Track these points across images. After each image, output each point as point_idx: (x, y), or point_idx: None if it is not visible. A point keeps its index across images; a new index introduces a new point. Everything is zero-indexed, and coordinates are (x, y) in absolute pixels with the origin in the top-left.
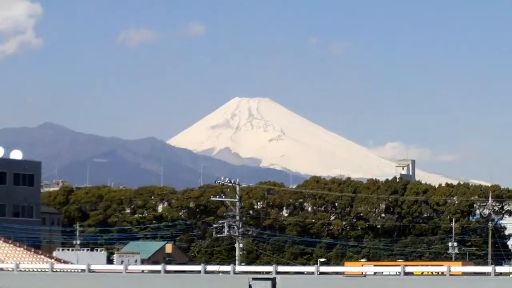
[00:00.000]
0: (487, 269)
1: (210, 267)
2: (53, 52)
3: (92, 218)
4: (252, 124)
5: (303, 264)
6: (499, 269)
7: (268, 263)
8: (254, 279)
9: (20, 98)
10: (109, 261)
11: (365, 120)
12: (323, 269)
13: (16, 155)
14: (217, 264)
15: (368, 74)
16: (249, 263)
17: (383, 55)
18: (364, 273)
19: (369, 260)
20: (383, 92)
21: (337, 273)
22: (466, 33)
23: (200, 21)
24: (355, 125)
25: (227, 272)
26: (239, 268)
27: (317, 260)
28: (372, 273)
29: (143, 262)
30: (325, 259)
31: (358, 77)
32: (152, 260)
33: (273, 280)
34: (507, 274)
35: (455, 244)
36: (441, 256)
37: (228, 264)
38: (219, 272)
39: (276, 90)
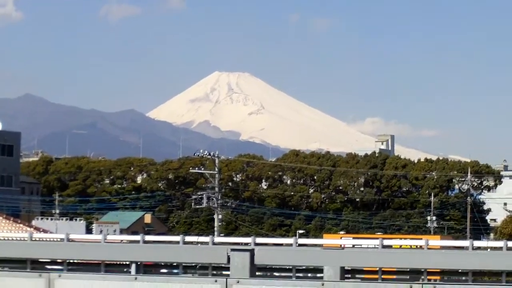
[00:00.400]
0: (465, 243)
1: (188, 238)
2: (34, 26)
3: (72, 188)
4: (232, 98)
5: (282, 236)
6: (477, 243)
7: (247, 234)
8: (232, 249)
9: (0, 70)
10: (88, 230)
11: (345, 95)
12: (302, 241)
13: None
14: (196, 234)
15: (348, 50)
16: (228, 234)
17: (363, 32)
18: (342, 246)
19: (347, 232)
20: (363, 67)
21: (315, 245)
22: (447, 4)
23: None
24: (335, 100)
25: (206, 243)
26: (217, 239)
27: (296, 232)
28: (351, 246)
29: (122, 232)
30: (304, 231)
31: (339, 53)
32: (131, 230)
33: (252, 252)
34: (485, 248)
35: (434, 218)
36: (420, 230)
37: (207, 235)
38: (197, 243)
39: (256, 65)
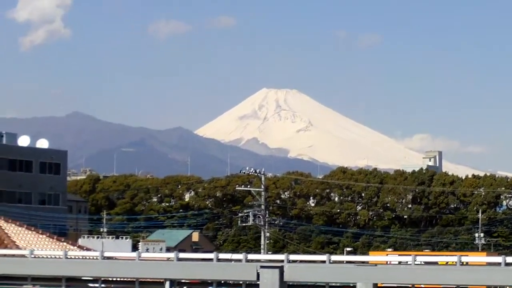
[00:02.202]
0: (498, 259)
1: (222, 255)
2: (82, 42)
3: (119, 207)
4: (280, 115)
5: (331, 254)
6: (509, 259)
7: (294, 252)
8: (262, 267)
9: (48, 87)
10: (135, 249)
11: (393, 112)
12: (335, 258)
13: (42, 144)
14: (243, 252)
15: (395, 66)
16: (275, 252)
17: (411, 48)
18: (389, 262)
19: (395, 250)
20: (412, 83)
21: (348, 262)
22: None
23: (229, 12)
24: (383, 117)
25: (239, 260)
26: (250, 256)
27: (344, 250)
28: (397, 263)
29: (169, 250)
30: (352, 249)
31: (386, 69)
32: (179, 248)
33: (281, 268)
34: None
35: (482, 234)
36: (467, 246)
37: (255, 253)
38: (231, 260)
39: (303, 82)
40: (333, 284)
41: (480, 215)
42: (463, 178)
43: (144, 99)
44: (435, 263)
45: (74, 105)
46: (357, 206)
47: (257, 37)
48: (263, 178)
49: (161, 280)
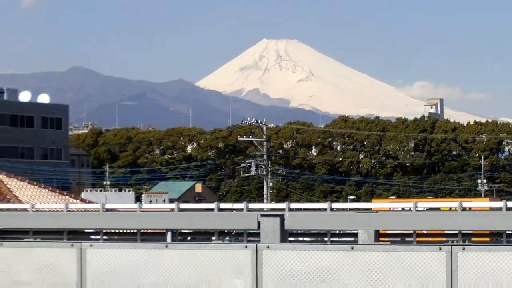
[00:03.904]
0: (499, 204)
1: (224, 205)
2: None
3: (122, 160)
4: (281, 65)
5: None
6: (510, 204)
7: (297, 201)
8: (262, 215)
9: (49, 43)
10: (138, 201)
11: (394, 60)
12: (336, 205)
13: (44, 99)
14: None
15: (396, 14)
16: (279, 202)
17: None
18: (392, 209)
19: (398, 197)
20: (411, 31)
21: (349, 209)
22: None
23: None
24: (384, 65)
25: (241, 210)
26: (251, 205)
27: (347, 198)
28: (400, 209)
29: (172, 201)
30: (355, 197)
31: (386, 17)
32: (182, 200)
33: (282, 217)
34: None
35: (484, 181)
36: (470, 193)
37: (258, 203)
38: (232, 209)
39: (304, 32)
40: (335, 231)
41: (482, 161)
42: (465, 125)
43: (144, 52)
44: (437, 209)
45: (75, 60)
46: (359, 155)
47: None
48: (264, 128)
49: (163, 231)
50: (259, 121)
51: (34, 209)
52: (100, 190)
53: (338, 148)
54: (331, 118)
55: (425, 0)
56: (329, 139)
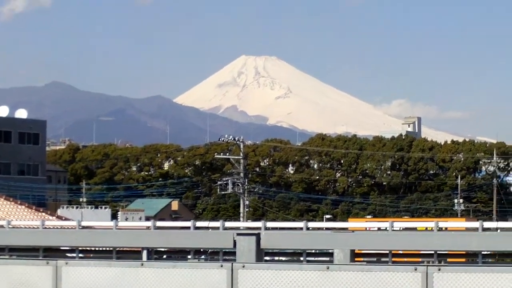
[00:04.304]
0: (476, 224)
1: (200, 223)
2: (62, 11)
3: (99, 176)
4: (259, 82)
5: (309, 221)
6: (486, 224)
7: (273, 220)
8: (238, 234)
9: (27, 57)
10: (114, 218)
11: (371, 78)
12: (312, 224)
13: (21, 114)
14: (224, 220)
15: (374, 31)
16: (255, 220)
17: (389, 13)
18: (368, 228)
19: (375, 216)
20: (389, 50)
21: (325, 228)
22: None
23: None
24: (362, 83)
25: (217, 228)
26: (228, 224)
27: (323, 217)
28: (376, 229)
29: (148, 219)
30: (331, 216)
31: (365, 34)
32: (159, 217)
33: (258, 236)
34: (495, 229)
35: (461, 200)
36: (447, 212)
37: (234, 221)
38: (208, 228)
39: (282, 49)
40: (311, 251)
41: (459, 181)
42: (442, 143)
43: (123, 68)
44: (414, 229)
45: (53, 75)
46: (336, 173)
47: (235, 3)
48: (242, 146)
49: (139, 249)
50: (236, 138)
51: (10, 226)
52: (77, 207)
53: (315, 166)
54: (308, 136)
55: (403, 19)
56: (306, 157)
